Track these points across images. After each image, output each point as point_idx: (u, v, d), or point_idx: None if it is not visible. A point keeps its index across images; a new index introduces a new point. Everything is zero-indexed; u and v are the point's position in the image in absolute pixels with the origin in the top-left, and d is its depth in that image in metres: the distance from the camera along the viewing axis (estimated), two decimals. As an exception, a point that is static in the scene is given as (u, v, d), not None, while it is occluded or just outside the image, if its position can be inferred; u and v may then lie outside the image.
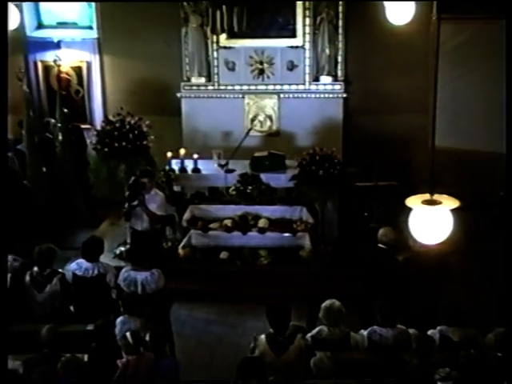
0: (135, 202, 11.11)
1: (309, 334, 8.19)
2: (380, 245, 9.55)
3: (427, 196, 6.88)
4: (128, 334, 7.83)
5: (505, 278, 9.34)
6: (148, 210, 11.08)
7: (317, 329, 8.28)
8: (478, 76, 12.10)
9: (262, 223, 12.13)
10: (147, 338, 7.83)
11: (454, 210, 6.87)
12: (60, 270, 9.31)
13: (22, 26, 13.66)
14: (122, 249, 12.17)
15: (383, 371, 7.45)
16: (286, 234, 12.09)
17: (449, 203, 6.84)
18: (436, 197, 6.85)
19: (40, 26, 15.48)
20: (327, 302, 8.31)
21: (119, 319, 8.42)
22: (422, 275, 9.14)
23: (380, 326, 8.21)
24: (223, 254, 12.03)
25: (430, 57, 8.03)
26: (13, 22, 13.09)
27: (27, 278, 9.01)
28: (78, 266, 9.28)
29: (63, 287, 9.01)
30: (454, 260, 9.75)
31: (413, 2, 10.75)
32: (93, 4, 15.09)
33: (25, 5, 14.50)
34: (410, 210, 6.92)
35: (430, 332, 8.25)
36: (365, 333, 8.29)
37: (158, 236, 11.61)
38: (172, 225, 12.44)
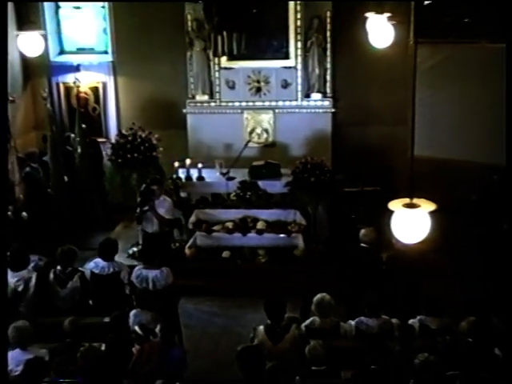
0: (146, 207, 11.15)
1: (303, 324, 8.21)
2: (362, 244, 9.58)
3: (407, 200, 6.88)
4: (136, 327, 7.84)
5: (479, 273, 9.35)
6: (157, 214, 11.12)
7: (310, 319, 8.30)
8: (451, 93, 12.13)
9: (259, 225, 12.11)
10: (157, 329, 7.85)
11: (431, 213, 6.87)
12: (80, 269, 9.31)
13: (46, 52, 13.71)
14: (135, 249, 12.14)
15: (369, 357, 7.44)
16: (282, 235, 12.08)
17: (427, 206, 6.84)
18: (415, 201, 6.85)
19: (62, 51, 15.52)
20: (318, 296, 8.33)
21: (132, 312, 8.44)
22: (404, 271, 9.15)
23: (366, 316, 8.23)
24: (225, 254, 12.02)
25: (409, 76, 8.02)
26: (38, 49, 13.12)
27: (51, 275, 9.03)
28: (95, 264, 9.33)
29: (83, 284, 9.02)
30: (432, 257, 9.73)
31: (392, 28, 10.82)
32: (108, 31, 15.14)
33: (49, 33, 14.58)
34: (392, 212, 6.92)
35: (410, 321, 8.27)
36: (353, 323, 8.32)
37: (166, 237, 11.64)
38: (179, 227, 12.42)
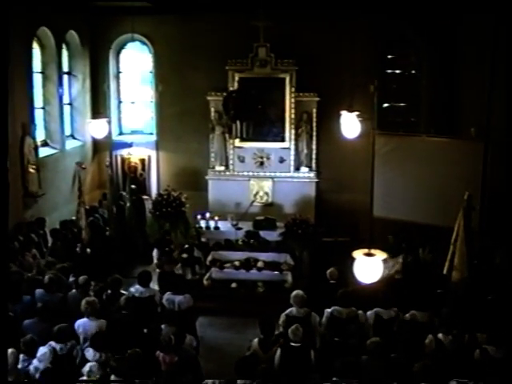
0: (163, 257, 11.35)
1: (283, 313, 8.34)
2: (331, 281, 9.62)
3: (366, 250, 6.95)
4: (172, 336, 7.81)
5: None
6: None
7: (289, 309, 8.35)
8: (400, 170, 12.15)
9: (259, 264, 12.11)
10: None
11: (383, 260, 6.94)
12: (125, 292, 9.28)
13: (109, 133, 13.89)
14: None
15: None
16: (276, 272, 12.05)
17: (380, 255, 6.92)
18: (372, 251, 6.92)
19: (120, 133, 15.84)
20: (294, 292, 8.51)
21: (162, 326, 8.39)
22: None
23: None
24: (233, 284, 11.98)
25: (370, 157, 8.14)
26: (104, 132, 13.38)
27: (104, 297, 9.05)
28: (136, 289, 9.33)
29: (127, 304, 8.99)
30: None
31: (359, 122, 10.99)
32: (154, 118, 15.39)
33: (112, 120, 14.74)
34: (354, 259, 6.99)
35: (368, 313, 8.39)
36: (329, 310, 8.42)
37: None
38: (199, 264, 12.37)
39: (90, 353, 7.35)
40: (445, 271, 9.17)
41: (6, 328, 5.30)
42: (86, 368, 7.00)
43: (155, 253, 11.57)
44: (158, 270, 11.31)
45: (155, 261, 11.51)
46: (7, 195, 3.49)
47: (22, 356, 7.23)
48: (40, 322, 8.00)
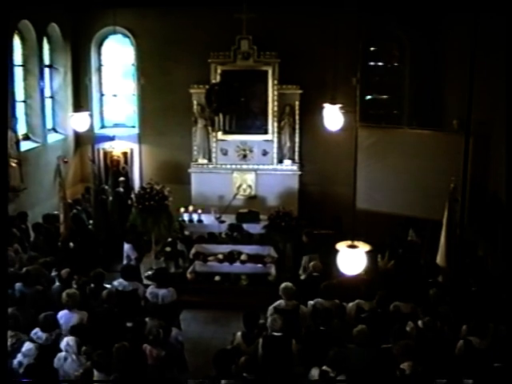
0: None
1: (271, 306, 8.31)
2: (314, 273, 9.64)
3: (350, 242, 6.92)
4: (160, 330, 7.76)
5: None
6: None
7: (277, 302, 8.34)
8: (383, 163, 12.15)
9: (243, 257, 12.07)
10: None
11: (367, 252, 6.92)
12: (108, 286, 9.24)
13: (91, 126, 13.75)
14: (149, 273, 12.02)
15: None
16: (259, 265, 12.01)
17: (363, 247, 6.90)
18: (355, 243, 6.89)
19: (103, 126, 15.72)
20: (283, 284, 8.46)
21: (147, 319, 8.32)
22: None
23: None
24: (217, 278, 11.95)
25: (353, 150, 8.12)
26: (85, 125, 13.23)
27: (87, 290, 8.98)
28: (119, 283, 9.28)
29: (109, 297, 8.92)
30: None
31: (342, 115, 10.95)
32: (136, 112, 15.28)
33: (94, 113, 14.68)
34: (338, 251, 6.96)
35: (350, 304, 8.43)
36: (311, 302, 8.43)
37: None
38: (183, 258, 12.36)
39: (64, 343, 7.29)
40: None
41: (5, 327, 5.32)
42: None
43: (126, 247, 11.49)
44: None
45: (130, 256, 11.41)
46: (7, 192, 3.43)
47: None
48: (17, 311, 7.89)
